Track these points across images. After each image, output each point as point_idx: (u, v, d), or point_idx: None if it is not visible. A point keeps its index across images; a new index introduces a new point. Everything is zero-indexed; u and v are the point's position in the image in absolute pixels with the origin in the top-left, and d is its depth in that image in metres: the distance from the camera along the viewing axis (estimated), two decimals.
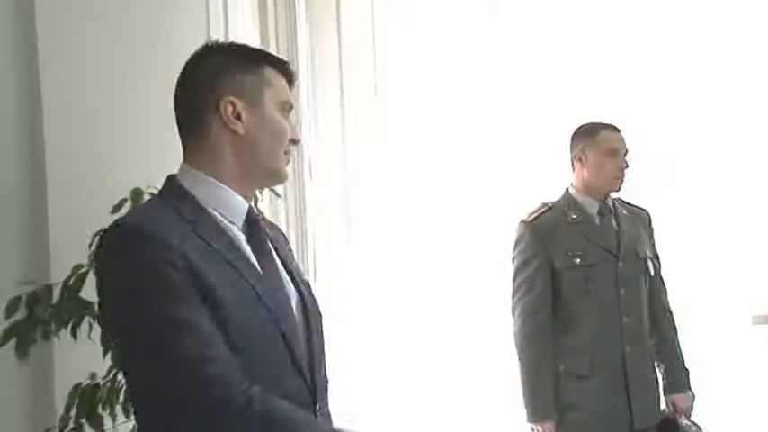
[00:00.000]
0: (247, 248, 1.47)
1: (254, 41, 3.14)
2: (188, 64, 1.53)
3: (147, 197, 2.32)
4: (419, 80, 3.57)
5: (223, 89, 1.47)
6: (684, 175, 3.71)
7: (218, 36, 2.78)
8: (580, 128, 2.89)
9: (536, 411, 2.76)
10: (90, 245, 2.31)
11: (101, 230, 2.34)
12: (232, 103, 1.46)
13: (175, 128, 2.86)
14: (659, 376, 2.88)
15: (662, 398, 2.88)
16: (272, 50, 3.26)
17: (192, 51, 1.53)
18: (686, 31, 3.76)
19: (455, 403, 3.33)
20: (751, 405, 3.45)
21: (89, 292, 2.23)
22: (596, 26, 3.77)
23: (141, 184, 2.32)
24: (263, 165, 1.50)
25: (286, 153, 1.52)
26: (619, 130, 2.87)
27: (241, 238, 1.48)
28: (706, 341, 2.99)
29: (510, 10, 3.73)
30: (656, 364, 2.88)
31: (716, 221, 3.70)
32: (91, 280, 2.23)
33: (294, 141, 1.53)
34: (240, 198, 1.49)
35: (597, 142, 2.82)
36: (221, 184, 1.47)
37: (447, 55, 3.61)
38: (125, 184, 2.33)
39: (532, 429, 2.81)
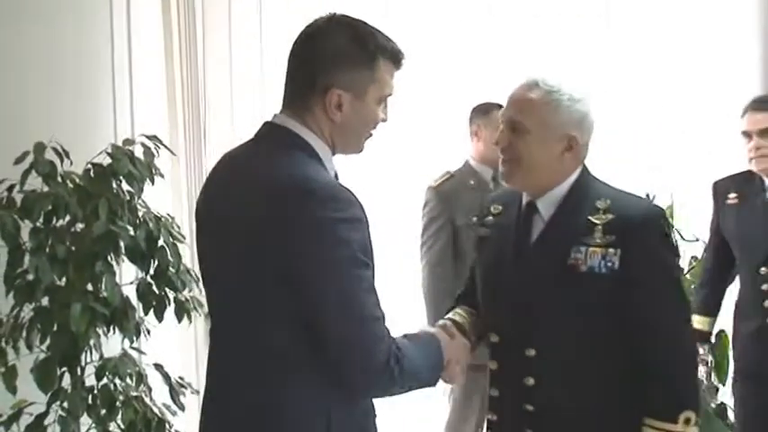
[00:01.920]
0: None
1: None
2: (312, 33, 1.58)
3: (49, 151, 2.37)
4: None
5: (335, 80, 1.54)
6: None
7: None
8: (476, 107, 3.27)
9: None
10: None
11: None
12: (338, 96, 1.54)
13: (77, 86, 2.86)
14: None
15: None
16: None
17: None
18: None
19: None
20: None
21: None
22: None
23: (44, 138, 2.38)
24: (348, 144, 1.62)
25: (369, 132, 1.64)
26: None
27: None
28: None
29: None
30: None
31: None
32: None
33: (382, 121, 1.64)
34: None
35: (491, 120, 3.14)
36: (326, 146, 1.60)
37: None
38: (28, 137, 2.38)
39: None
